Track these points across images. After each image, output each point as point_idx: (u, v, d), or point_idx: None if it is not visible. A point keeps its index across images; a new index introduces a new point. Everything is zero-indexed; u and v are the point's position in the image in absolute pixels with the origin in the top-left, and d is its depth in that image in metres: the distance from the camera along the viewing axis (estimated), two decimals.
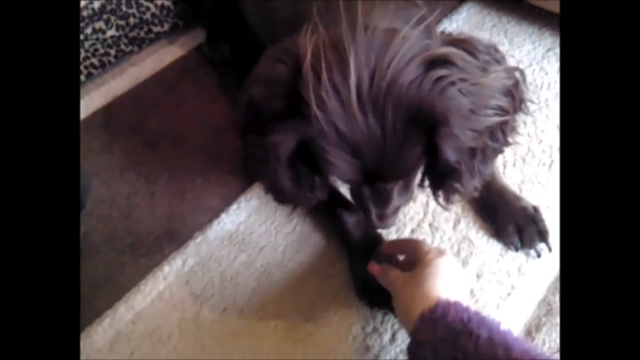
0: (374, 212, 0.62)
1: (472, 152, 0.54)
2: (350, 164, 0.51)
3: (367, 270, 0.68)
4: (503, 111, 0.53)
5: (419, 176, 0.62)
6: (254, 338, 0.68)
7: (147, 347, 0.68)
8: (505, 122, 0.54)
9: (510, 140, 0.58)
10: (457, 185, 0.56)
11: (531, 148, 0.86)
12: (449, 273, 0.59)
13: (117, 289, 0.74)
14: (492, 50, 0.54)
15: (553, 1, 1.01)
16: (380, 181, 0.56)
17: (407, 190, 0.64)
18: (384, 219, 0.64)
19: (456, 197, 0.60)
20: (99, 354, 0.67)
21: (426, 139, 0.50)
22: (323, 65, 0.47)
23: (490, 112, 0.52)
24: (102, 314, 0.71)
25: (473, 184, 0.58)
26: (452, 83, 0.48)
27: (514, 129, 0.59)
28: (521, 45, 1.03)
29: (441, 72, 0.47)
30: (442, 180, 0.57)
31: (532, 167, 0.84)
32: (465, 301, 0.55)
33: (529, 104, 0.59)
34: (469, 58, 0.50)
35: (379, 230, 0.75)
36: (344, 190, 0.78)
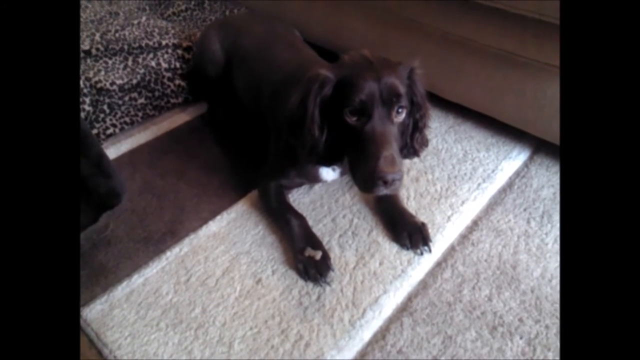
0: (382, 154, 0.86)
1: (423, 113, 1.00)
2: (372, 85, 0.89)
3: (304, 256, 1.03)
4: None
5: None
6: (223, 294, 1.01)
7: (151, 299, 1.00)
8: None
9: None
10: (418, 137, 1.02)
11: (427, 188, 1.25)
12: None
13: (133, 264, 1.07)
14: None
15: (451, 93, 1.46)
16: (385, 104, 0.90)
17: (397, 137, 0.95)
18: (392, 163, 0.86)
19: (424, 146, 1.05)
20: (118, 302, 0.99)
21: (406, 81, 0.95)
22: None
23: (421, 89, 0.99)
24: (122, 279, 1.04)
25: (426, 138, 1.05)
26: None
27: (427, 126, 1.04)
28: (432, 123, 1.46)
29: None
30: (414, 132, 1.01)
31: (426, 199, 1.22)
32: None
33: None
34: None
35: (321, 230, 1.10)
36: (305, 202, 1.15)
